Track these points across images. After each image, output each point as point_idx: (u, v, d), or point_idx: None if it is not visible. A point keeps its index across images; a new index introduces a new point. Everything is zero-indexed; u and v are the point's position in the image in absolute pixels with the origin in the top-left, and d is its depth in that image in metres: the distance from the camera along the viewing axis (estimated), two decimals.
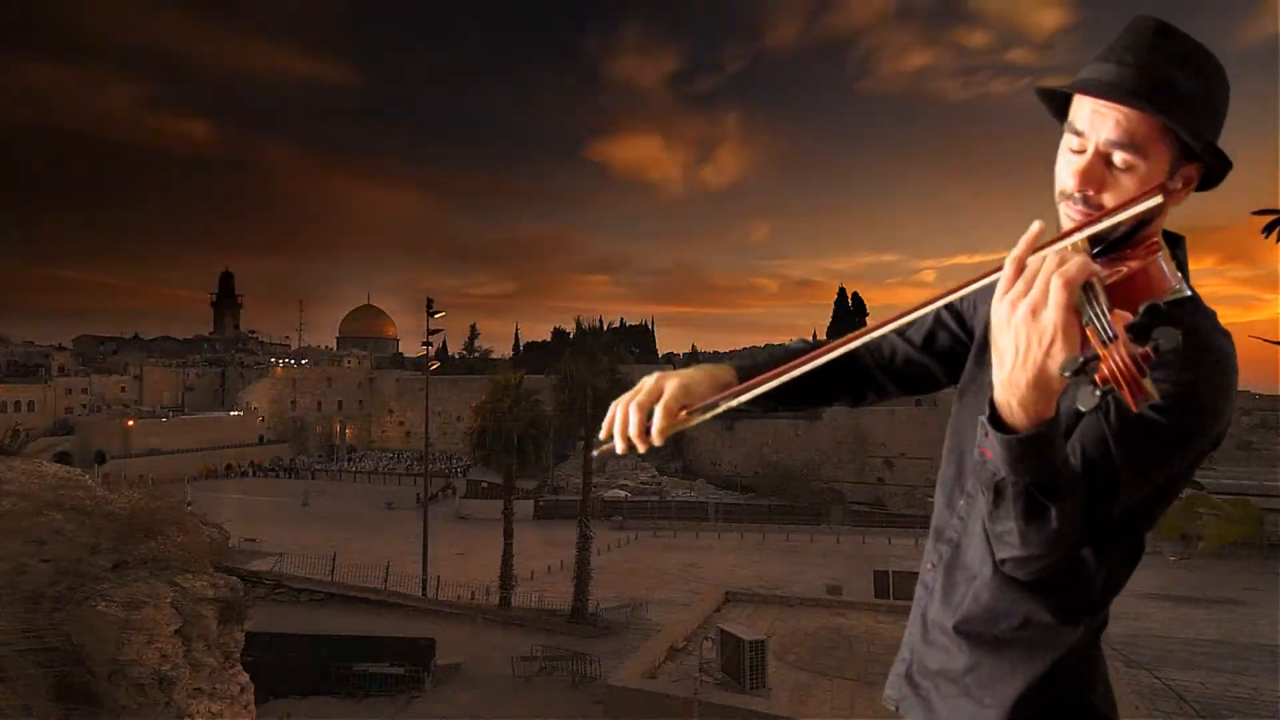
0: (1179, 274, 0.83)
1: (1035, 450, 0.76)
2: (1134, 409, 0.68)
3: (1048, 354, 0.71)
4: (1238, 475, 39.59)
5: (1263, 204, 1.70)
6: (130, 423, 60.82)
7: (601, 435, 0.99)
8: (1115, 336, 0.68)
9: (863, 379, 1.24)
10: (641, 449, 0.97)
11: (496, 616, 22.99)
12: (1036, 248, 0.84)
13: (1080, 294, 0.72)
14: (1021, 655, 0.96)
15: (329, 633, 17.65)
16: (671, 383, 0.99)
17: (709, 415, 0.96)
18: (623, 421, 0.97)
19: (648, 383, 1.00)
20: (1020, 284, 0.75)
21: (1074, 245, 0.84)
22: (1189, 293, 0.87)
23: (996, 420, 0.78)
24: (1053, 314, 0.71)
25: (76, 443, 57.87)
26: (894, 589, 21.24)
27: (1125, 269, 0.80)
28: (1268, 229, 1.69)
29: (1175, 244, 0.96)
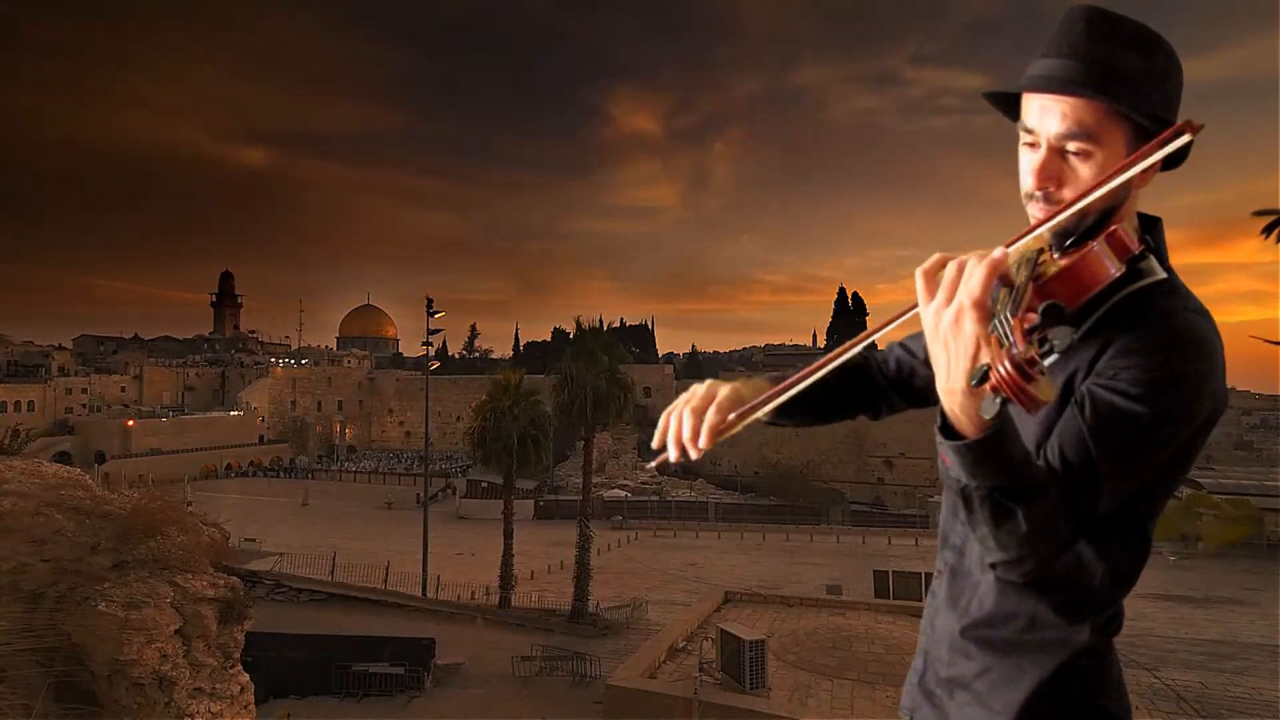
0: (1148, 265, 0.84)
1: (989, 454, 0.75)
2: (1029, 413, 0.68)
3: (974, 362, 0.71)
4: (1238, 475, 39.58)
5: (1267, 203, 1.70)
6: (130, 423, 60.81)
7: (655, 443, 0.98)
8: (1008, 341, 0.69)
9: (875, 394, 1.24)
10: (694, 455, 0.95)
11: (496, 616, 22.99)
12: (1010, 242, 0.83)
13: (994, 301, 0.73)
14: (1029, 659, 0.94)
15: (329, 633, 17.64)
16: (723, 389, 0.99)
17: (754, 417, 0.96)
18: (677, 427, 0.96)
19: (699, 389, 1.00)
20: (941, 294, 0.75)
21: (1037, 239, 0.85)
22: (1162, 275, 0.87)
23: (947, 429, 0.78)
24: (968, 327, 0.71)
25: (76, 443, 57.85)
26: (894, 589, 21.21)
27: (1062, 264, 0.80)
28: (1267, 230, 1.69)
29: (1151, 227, 0.95)
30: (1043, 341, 0.68)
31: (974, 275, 0.72)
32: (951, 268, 0.76)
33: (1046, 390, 0.66)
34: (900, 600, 18.26)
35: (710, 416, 0.95)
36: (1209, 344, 0.84)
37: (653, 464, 1.02)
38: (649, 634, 18.30)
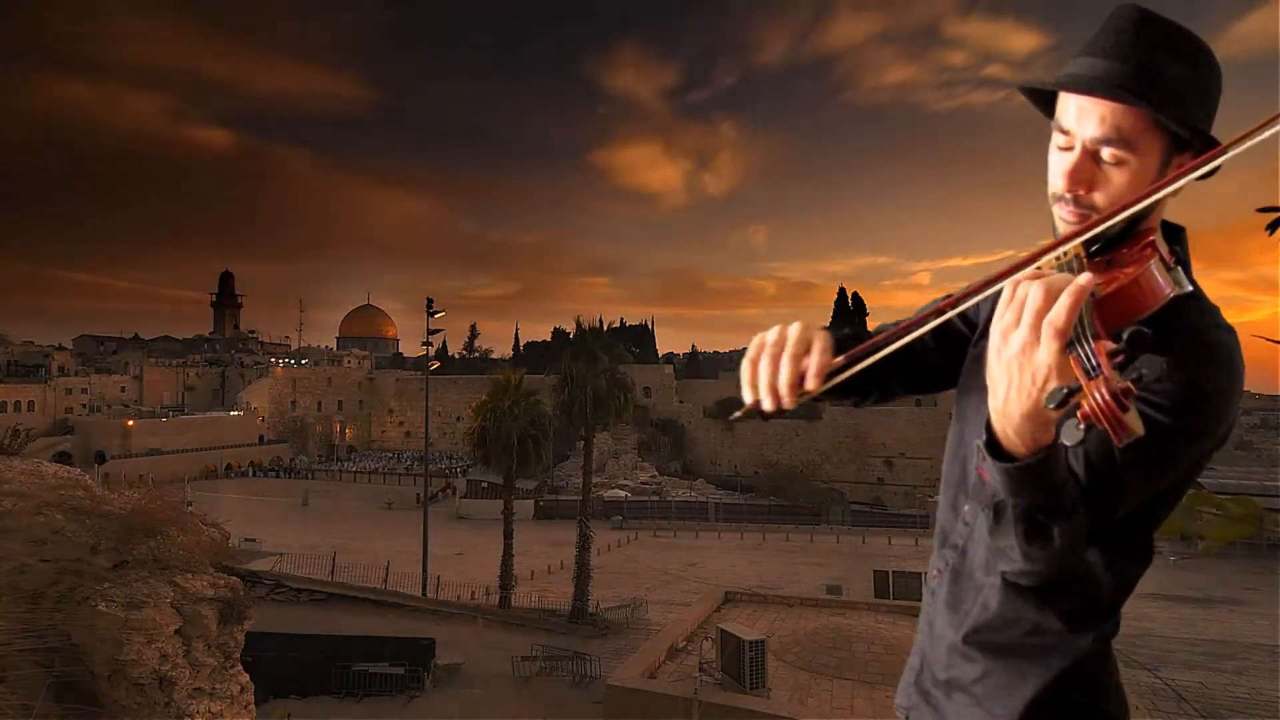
0: (1176, 277, 0.81)
1: (1036, 476, 0.74)
2: (1117, 444, 0.65)
3: (1042, 390, 0.69)
4: (1238, 475, 39.59)
5: (1261, 204, 1.69)
6: (130, 423, 60.80)
7: (747, 394, 0.90)
8: (1098, 371, 0.65)
9: (871, 377, 1.20)
10: (790, 404, 0.87)
11: (496, 616, 22.99)
12: (1036, 254, 0.81)
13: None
14: (1031, 663, 0.94)
15: (329, 633, 17.65)
16: (814, 331, 0.90)
17: (865, 364, 0.88)
18: (772, 374, 0.88)
19: (792, 332, 0.90)
20: (1009, 314, 0.72)
21: (1069, 251, 0.82)
22: (1190, 288, 0.85)
23: (995, 447, 0.76)
24: (1045, 357, 0.68)
25: (76, 443, 57.85)
26: (894, 589, 21.23)
27: (1117, 281, 0.78)
28: (1271, 226, 1.68)
29: (1175, 236, 0.94)
30: (1127, 367, 0.65)
31: (1060, 305, 0.68)
32: (1025, 287, 0.72)
33: (1137, 422, 0.63)
34: (900, 600, 18.26)
35: (817, 357, 0.87)
36: (1236, 363, 0.84)
37: (738, 414, 0.92)
38: (649, 634, 18.31)
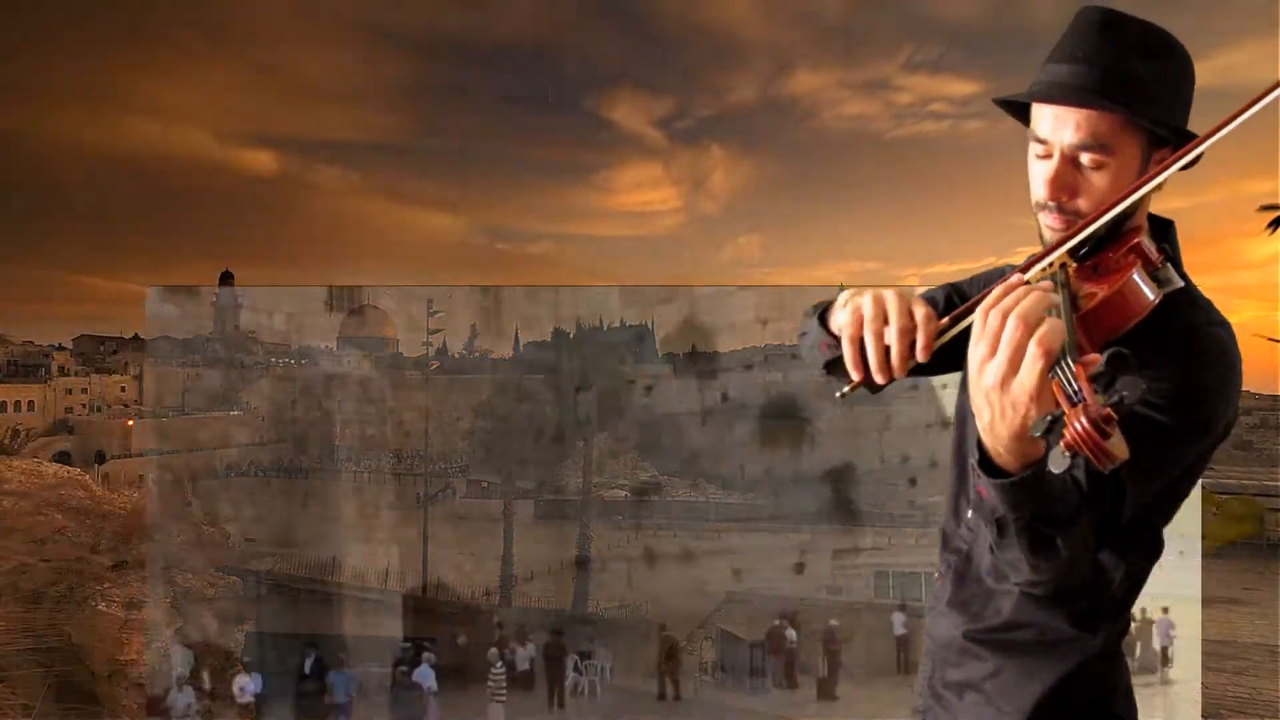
0: (1166, 274, 0.81)
1: (1033, 490, 0.73)
2: (1103, 471, 0.64)
3: (1024, 418, 0.68)
4: (1238, 475, 39.53)
5: (1260, 203, 1.69)
6: (130, 423, 60.77)
7: (853, 372, 0.86)
8: (1080, 398, 0.64)
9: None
10: (900, 375, 0.84)
11: (496, 616, 22.98)
12: (1024, 267, 0.82)
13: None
14: (1040, 662, 0.94)
15: (329, 633, 17.64)
16: (913, 300, 0.85)
17: (960, 327, 0.83)
18: (879, 350, 0.83)
19: (889, 302, 0.84)
20: (984, 345, 0.71)
21: (1055, 261, 0.82)
22: (1180, 284, 0.84)
23: (988, 464, 0.75)
24: (1027, 385, 0.67)
25: (76, 443, 57.75)
26: (894, 589, 21.24)
27: (1100, 294, 0.77)
28: (1273, 224, 1.68)
29: (1163, 232, 0.93)
30: (1109, 389, 0.64)
31: (1027, 370, 0.66)
32: (995, 316, 0.71)
33: (1121, 447, 0.62)
34: (900, 600, 18.26)
35: (924, 326, 0.82)
36: (1231, 358, 0.85)
37: (847, 389, 0.89)
38: (649, 634, 18.30)
